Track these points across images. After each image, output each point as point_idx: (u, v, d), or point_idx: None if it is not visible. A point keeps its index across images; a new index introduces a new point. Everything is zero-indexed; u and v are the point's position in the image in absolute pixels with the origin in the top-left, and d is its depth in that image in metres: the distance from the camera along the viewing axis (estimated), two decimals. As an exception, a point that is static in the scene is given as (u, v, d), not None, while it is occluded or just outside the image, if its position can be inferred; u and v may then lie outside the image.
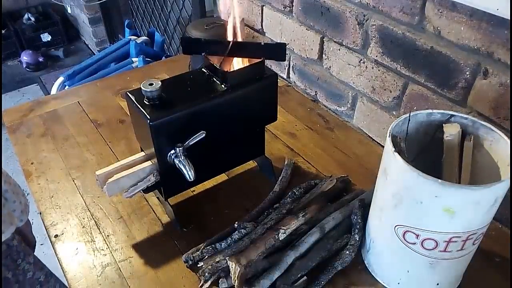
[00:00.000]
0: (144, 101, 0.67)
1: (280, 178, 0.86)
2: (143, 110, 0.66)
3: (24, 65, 3.05)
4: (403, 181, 0.56)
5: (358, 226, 0.71)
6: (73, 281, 0.70)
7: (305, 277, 0.67)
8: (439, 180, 0.51)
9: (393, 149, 0.56)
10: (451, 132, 0.62)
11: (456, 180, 0.62)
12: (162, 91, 0.67)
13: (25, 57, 3.03)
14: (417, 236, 0.58)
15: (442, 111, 0.63)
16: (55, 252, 0.75)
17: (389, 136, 0.58)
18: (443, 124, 0.63)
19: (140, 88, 0.66)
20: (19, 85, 2.96)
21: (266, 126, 0.84)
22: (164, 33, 2.25)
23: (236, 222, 0.71)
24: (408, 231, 0.59)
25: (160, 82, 0.67)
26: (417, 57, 0.81)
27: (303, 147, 0.97)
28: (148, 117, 0.65)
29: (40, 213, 0.83)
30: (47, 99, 1.17)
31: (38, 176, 0.90)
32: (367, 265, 0.71)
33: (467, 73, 0.74)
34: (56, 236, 0.78)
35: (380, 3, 0.84)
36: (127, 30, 2.26)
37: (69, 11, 3.30)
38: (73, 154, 0.96)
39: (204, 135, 0.69)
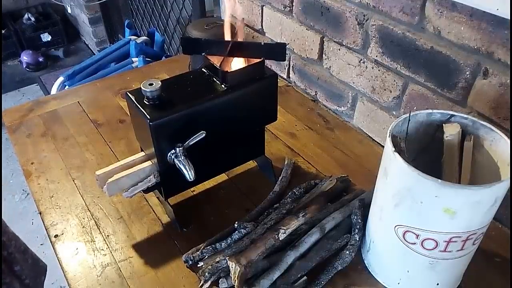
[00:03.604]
0: (144, 101, 0.67)
1: (280, 178, 0.86)
2: (143, 110, 0.66)
3: (24, 65, 3.05)
4: (403, 181, 0.56)
5: (358, 226, 0.71)
6: (73, 281, 0.70)
7: (305, 277, 0.67)
8: (439, 180, 0.51)
9: (393, 149, 0.56)
10: (451, 132, 0.62)
11: (456, 180, 0.62)
12: (162, 91, 0.67)
13: (25, 57, 3.03)
14: (417, 236, 0.58)
15: (442, 111, 0.63)
16: (55, 252, 0.75)
17: (389, 136, 0.58)
18: (443, 124, 0.63)
19: (140, 88, 0.66)
20: (19, 85, 2.96)
21: (266, 126, 0.84)
22: (164, 33, 2.25)
23: (236, 222, 0.71)
24: (408, 231, 0.59)
25: (160, 82, 0.67)
26: (417, 57, 0.81)
27: (303, 147, 0.97)
28: (148, 117, 0.65)
29: (40, 213, 0.83)
30: (47, 99, 1.17)
31: (38, 176, 0.90)
32: (367, 265, 0.71)
33: (467, 73, 0.74)
34: (56, 236, 0.78)
35: (380, 3, 0.84)
36: (127, 30, 2.26)
37: (69, 11, 3.30)
38: (73, 154, 0.96)
39: (204, 135, 0.69)
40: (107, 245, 0.76)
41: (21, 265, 0.67)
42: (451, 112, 0.63)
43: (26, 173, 0.91)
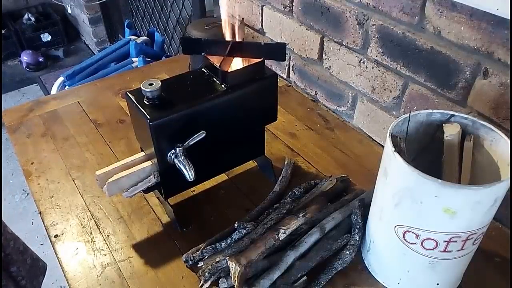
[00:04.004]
0: (144, 101, 0.67)
1: (280, 178, 0.86)
2: (143, 110, 0.66)
3: (24, 65, 3.05)
4: (403, 181, 0.56)
5: (358, 226, 0.71)
6: (73, 281, 0.70)
7: (305, 277, 0.67)
8: (439, 180, 0.51)
9: (393, 149, 0.56)
10: (451, 132, 0.62)
11: (456, 180, 0.62)
12: (162, 91, 0.67)
13: (25, 57, 3.03)
14: (417, 236, 0.58)
15: (442, 111, 0.63)
16: (55, 252, 0.75)
17: (389, 136, 0.58)
18: (443, 124, 0.63)
19: (140, 88, 0.66)
20: (19, 85, 2.96)
21: (266, 126, 0.84)
22: (164, 33, 2.25)
23: (236, 222, 0.71)
24: (408, 231, 0.59)
25: (160, 82, 0.67)
26: (417, 57, 0.81)
27: (303, 147, 0.97)
28: (148, 117, 0.65)
29: (40, 213, 0.83)
30: (47, 99, 1.17)
31: (38, 176, 0.90)
32: (367, 265, 0.71)
33: (467, 73, 0.74)
34: (56, 236, 0.78)
35: (380, 3, 0.84)
36: (127, 30, 2.26)
37: (69, 11, 3.30)
38: (73, 154, 0.96)
39: (204, 135, 0.69)
40: (107, 245, 0.76)
41: (18, 266, 0.68)
42: (451, 112, 0.63)
43: (26, 173, 0.91)
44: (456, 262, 0.61)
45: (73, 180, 0.89)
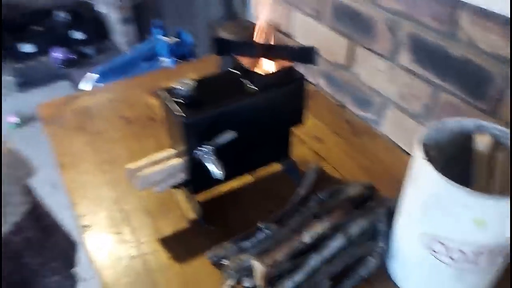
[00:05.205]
0: (177, 100, 0.69)
1: (304, 181, 0.86)
2: (175, 109, 0.68)
3: (56, 62, 3.14)
4: (431, 190, 0.56)
5: (383, 234, 0.71)
6: (101, 271, 0.72)
7: (329, 282, 0.67)
8: (470, 190, 0.51)
9: (422, 157, 0.56)
10: (482, 142, 0.61)
11: (486, 191, 0.61)
12: (193, 90, 0.68)
13: (57, 53, 3.12)
14: (445, 246, 0.57)
15: (473, 120, 0.63)
16: (84, 243, 0.78)
17: (418, 144, 0.58)
18: (474, 134, 0.62)
19: (173, 87, 0.68)
20: (50, 81, 3.06)
21: (293, 130, 0.85)
22: (193, 34, 2.29)
23: (261, 223, 0.72)
24: (435, 240, 0.58)
25: (193, 82, 0.68)
26: (448, 65, 0.80)
27: (329, 152, 0.97)
28: (181, 115, 0.67)
29: (71, 204, 0.85)
30: (80, 95, 1.21)
31: (70, 169, 0.93)
32: (391, 274, 0.71)
33: (499, 82, 0.73)
34: (85, 226, 0.81)
35: (412, 10, 0.84)
36: (157, 30, 2.31)
37: (100, 10, 3.38)
38: (104, 148, 0.99)
39: (234, 136, 0.70)
40: (135, 238, 0.78)
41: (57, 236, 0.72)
42: (482, 122, 0.62)
43: (59, 165, 0.95)
44: (484, 275, 0.60)
45: (104, 174, 0.92)
